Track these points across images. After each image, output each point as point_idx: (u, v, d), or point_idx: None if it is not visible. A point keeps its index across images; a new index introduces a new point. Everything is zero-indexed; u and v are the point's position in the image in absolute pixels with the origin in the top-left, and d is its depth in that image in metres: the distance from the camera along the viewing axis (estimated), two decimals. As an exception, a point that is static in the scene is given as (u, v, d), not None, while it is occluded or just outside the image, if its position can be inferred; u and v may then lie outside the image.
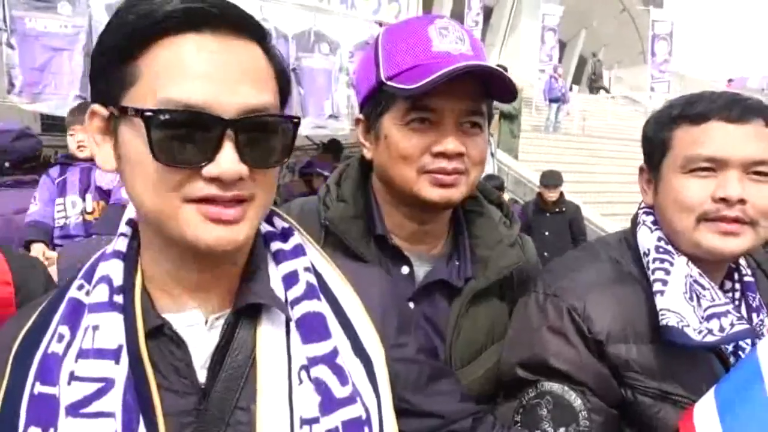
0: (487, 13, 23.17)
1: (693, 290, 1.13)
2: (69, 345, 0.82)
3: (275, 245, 0.93)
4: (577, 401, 1.11)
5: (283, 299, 0.88)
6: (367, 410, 0.86)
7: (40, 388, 0.80)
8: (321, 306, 0.89)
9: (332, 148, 7.90)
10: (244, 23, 0.79)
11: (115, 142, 0.80)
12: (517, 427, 1.15)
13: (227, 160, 0.74)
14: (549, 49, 16.96)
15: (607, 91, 14.49)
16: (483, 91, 1.18)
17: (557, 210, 7.00)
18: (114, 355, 0.80)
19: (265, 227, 0.94)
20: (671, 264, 1.16)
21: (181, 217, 0.77)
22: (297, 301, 0.87)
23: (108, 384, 0.79)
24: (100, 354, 0.80)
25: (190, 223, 0.77)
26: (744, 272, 1.27)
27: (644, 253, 1.21)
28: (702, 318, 1.10)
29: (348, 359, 0.88)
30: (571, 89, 18.46)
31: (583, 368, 1.13)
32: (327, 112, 6.33)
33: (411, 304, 1.26)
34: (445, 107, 1.15)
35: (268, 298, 0.86)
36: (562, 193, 7.12)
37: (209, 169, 0.74)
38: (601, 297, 1.17)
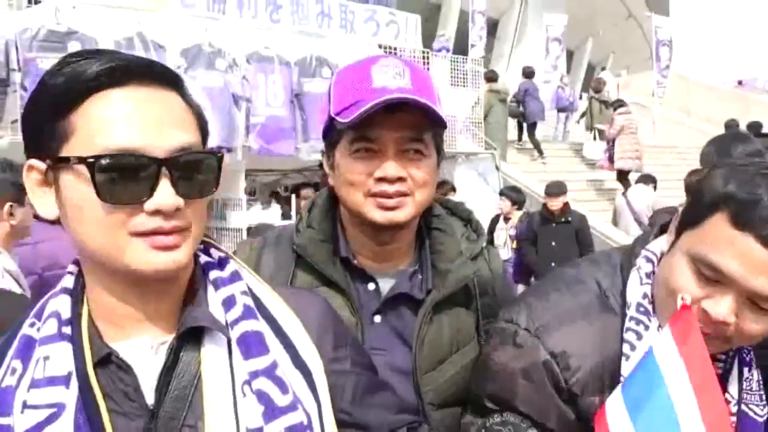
0: (494, 25, 23.30)
1: None
2: (21, 377, 0.88)
3: (213, 273, 0.99)
4: None
5: (223, 321, 0.94)
6: (308, 416, 0.92)
7: None
8: (259, 325, 0.95)
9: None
10: (163, 75, 0.89)
11: (57, 191, 0.87)
12: None
13: (165, 194, 0.83)
14: (554, 59, 16.99)
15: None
16: (425, 121, 1.27)
17: (563, 220, 7.00)
18: (64, 381, 0.86)
19: (204, 258, 1.01)
20: (646, 328, 1.12)
21: (128, 250, 0.84)
22: (236, 321, 0.94)
23: (59, 409, 0.84)
24: (51, 382, 0.86)
25: (137, 254, 0.84)
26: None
27: (627, 303, 1.16)
28: None
29: (288, 371, 0.94)
30: (581, 98, 18.43)
31: (549, 414, 1.16)
32: (328, 136, 6.44)
33: (378, 317, 1.36)
34: (385, 137, 1.26)
35: (207, 321, 0.93)
36: (567, 204, 7.12)
37: (149, 204, 0.83)
38: (582, 343, 1.14)
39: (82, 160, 0.82)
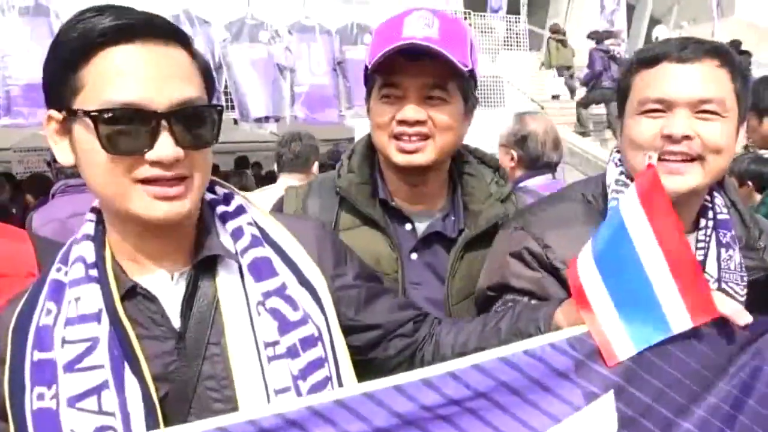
0: (549, -18, 22.48)
1: None
2: (57, 317, 0.97)
3: (220, 208, 1.08)
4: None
5: (234, 251, 1.04)
6: (318, 328, 1.03)
7: (38, 355, 0.95)
8: (266, 251, 1.05)
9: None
10: (168, 32, 0.93)
11: (70, 140, 0.94)
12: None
13: (165, 146, 0.89)
14: (610, 13, 16.35)
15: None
16: (448, 70, 1.35)
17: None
18: (95, 317, 0.95)
19: (209, 195, 1.10)
20: None
21: (132, 197, 0.91)
22: (245, 250, 1.03)
23: (94, 342, 0.93)
24: (83, 319, 0.95)
25: (140, 201, 0.91)
26: (719, 210, 1.35)
27: (608, 185, 1.33)
28: None
29: (295, 290, 1.04)
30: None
31: (541, 286, 1.29)
32: (373, 101, 6.52)
33: (414, 255, 1.50)
34: (408, 82, 1.38)
35: (220, 249, 1.02)
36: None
37: (150, 155, 0.89)
38: (562, 231, 1.29)
39: (87, 113, 0.88)
